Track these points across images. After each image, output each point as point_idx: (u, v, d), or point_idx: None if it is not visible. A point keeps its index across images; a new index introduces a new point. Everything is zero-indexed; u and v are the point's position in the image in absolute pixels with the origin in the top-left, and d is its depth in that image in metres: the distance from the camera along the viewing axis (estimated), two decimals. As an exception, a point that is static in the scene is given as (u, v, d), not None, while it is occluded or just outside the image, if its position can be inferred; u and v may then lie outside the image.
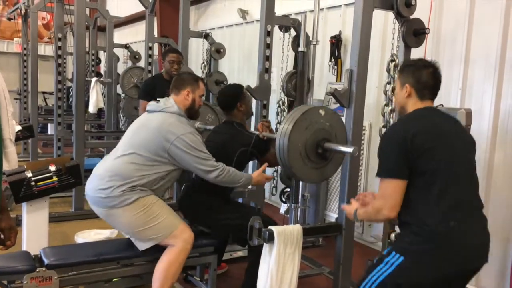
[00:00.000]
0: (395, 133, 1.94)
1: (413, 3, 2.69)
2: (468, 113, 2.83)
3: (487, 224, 1.97)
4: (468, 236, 1.86)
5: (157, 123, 2.65)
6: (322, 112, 2.47)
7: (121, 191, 2.54)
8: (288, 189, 4.22)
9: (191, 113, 2.82)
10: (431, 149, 1.86)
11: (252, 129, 3.62)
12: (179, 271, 2.64)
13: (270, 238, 2.34)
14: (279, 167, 4.63)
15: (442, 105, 2.80)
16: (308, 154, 2.45)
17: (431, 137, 1.88)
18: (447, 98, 3.54)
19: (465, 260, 1.87)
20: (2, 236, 1.73)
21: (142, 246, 2.60)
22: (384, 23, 4.14)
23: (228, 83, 3.25)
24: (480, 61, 3.48)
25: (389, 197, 1.89)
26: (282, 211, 4.32)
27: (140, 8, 6.52)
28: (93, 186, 2.64)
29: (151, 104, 2.80)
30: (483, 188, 3.42)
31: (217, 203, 2.92)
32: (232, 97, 3.06)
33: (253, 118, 3.75)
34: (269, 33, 3.54)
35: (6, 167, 1.57)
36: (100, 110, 7.44)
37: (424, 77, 1.99)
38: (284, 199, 4.30)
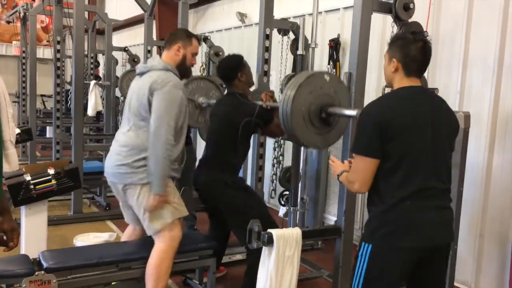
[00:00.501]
0: (374, 112, 1.93)
1: (411, 6, 2.69)
2: (467, 116, 2.83)
3: (449, 205, 2.00)
4: (425, 213, 1.90)
5: (146, 84, 2.57)
6: (327, 77, 2.42)
7: (141, 165, 2.55)
8: (287, 192, 4.22)
9: (181, 69, 2.71)
10: (404, 135, 1.87)
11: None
12: (169, 269, 2.64)
13: (269, 241, 2.34)
14: (278, 169, 4.64)
15: (438, 89, 2.80)
16: (312, 119, 2.39)
17: (406, 123, 1.88)
18: (446, 101, 3.55)
19: (424, 236, 1.90)
20: (4, 237, 1.73)
21: (150, 230, 2.62)
22: (383, 27, 4.14)
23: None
24: (478, 64, 3.49)
25: (360, 173, 1.93)
26: (281, 214, 4.32)
27: (139, 11, 6.52)
28: (112, 162, 2.66)
29: (139, 66, 2.74)
30: (482, 191, 3.44)
31: (235, 187, 2.91)
32: (232, 67, 3.02)
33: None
34: (268, 36, 3.55)
35: (6, 168, 1.57)
36: (98, 113, 7.44)
37: (413, 52, 1.93)
38: (283, 202, 4.30)
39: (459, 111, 2.85)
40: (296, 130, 2.36)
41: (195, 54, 2.79)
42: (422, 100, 1.95)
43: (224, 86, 3.43)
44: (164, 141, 2.50)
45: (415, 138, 1.88)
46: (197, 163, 3.30)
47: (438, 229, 1.95)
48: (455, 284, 3.26)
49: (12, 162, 1.60)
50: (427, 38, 1.97)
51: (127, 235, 2.95)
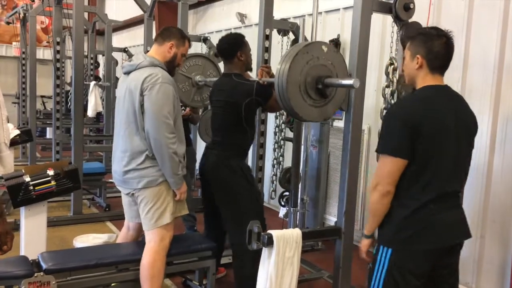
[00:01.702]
0: (403, 113, 1.89)
1: (411, 6, 2.68)
2: (467, 117, 2.82)
3: (460, 205, 2.00)
4: (444, 214, 1.89)
5: (137, 84, 2.55)
6: (325, 48, 2.39)
7: (146, 166, 2.56)
8: (287, 193, 4.22)
9: (169, 67, 2.70)
10: (432, 137, 1.84)
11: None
12: (163, 268, 2.64)
13: (269, 242, 2.32)
14: (278, 170, 4.62)
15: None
16: (308, 90, 2.35)
17: (435, 126, 1.84)
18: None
19: (444, 237, 1.90)
20: None
21: (147, 226, 2.64)
22: (383, 27, 4.14)
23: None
24: (478, 65, 3.47)
25: (386, 174, 1.88)
26: (281, 214, 4.31)
27: (139, 12, 6.52)
28: (118, 168, 2.68)
29: (125, 65, 2.71)
30: (483, 191, 3.42)
31: (240, 174, 2.89)
32: (233, 44, 2.98)
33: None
34: (267, 37, 3.54)
35: (1, 171, 1.56)
36: (98, 114, 7.43)
37: (436, 47, 1.89)
38: (283, 203, 4.29)
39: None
40: (292, 101, 2.32)
41: (184, 55, 2.81)
42: (448, 101, 1.92)
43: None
44: (165, 140, 2.50)
45: (441, 141, 1.85)
46: (197, 164, 3.28)
47: (457, 228, 1.95)
48: (456, 285, 3.26)
49: (7, 165, 1.58)
50: (450, 34, 1.93)
51: (121, 237, 2.95)
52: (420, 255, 1.89)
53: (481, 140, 3.41)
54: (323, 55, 2.39)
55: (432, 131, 1.84)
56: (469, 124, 1.98)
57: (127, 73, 2.68)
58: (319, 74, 2.36)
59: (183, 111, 4.07)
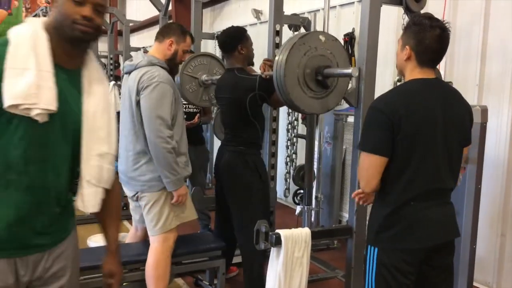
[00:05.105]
0: (384, 107, 1.79)
1: (422, -4, 2.59)
2: (484, 110, 2.71)
3: (450, 200, 1.91)
4: (428, 212, 1.82)
5: (134, 84, 2.52)
6: (322, 38, 2.31)
7: (148, 169, 2.54)
8: (301, 191, 4.16)
9: (170, 65, 2.64)
10: (414, 134, 1.75)
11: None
12: (168, 268, 2.62)
13: (277, 242, 2.28)
14: (291, 168, 4.57)
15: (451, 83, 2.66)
16: (307, 82, 2.29)
17: (418, 121, 1.76)
18: (464, 94, 3.38)
19: (430, 235, 1.83)
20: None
21: (151, 232, 2.62)
22: (398, 19, 4.03)
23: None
24: (497, 55, 3.36)
25: (366, 171, 1.83)
26: (297, 212, 4.26)
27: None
28: (123, 168, 2.66)
29: (126, 65, 2.67)
30: (503, 187, 3.31)
31: (256, 179, 2.84)
32: (233, 37, 2.92)
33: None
34: (278, 33, 3.48)
35: (80, 207, 1.45)
36: (118, 113, 7.50)
37: (428, 40, 1.77)
38: (297, 201, 4.24)
39: (475, 105, 2.74)
40: (292, 95, 2.26)
41: (186, 51, 2.75)
42: (435, 95, 1.82)
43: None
44: (159, 140, 2.45)
45: (425, 137, 1.77)
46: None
47: (443, 226, 1.88)
48: (475, 284, 3.15)
49: (87, 203, 1.44)
50: (446, 24, 1.82)
51: (129, 237, 2.96)
52: (405, 253, 1.83)
53: (500, 133, 3.30)
54: (321, 45, 2.31)
55: (415, 126, 1.75)
56: (461, 119, 1.87)
57: (128, 73, 2.64)
58: (318, 65, 2.29)
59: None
